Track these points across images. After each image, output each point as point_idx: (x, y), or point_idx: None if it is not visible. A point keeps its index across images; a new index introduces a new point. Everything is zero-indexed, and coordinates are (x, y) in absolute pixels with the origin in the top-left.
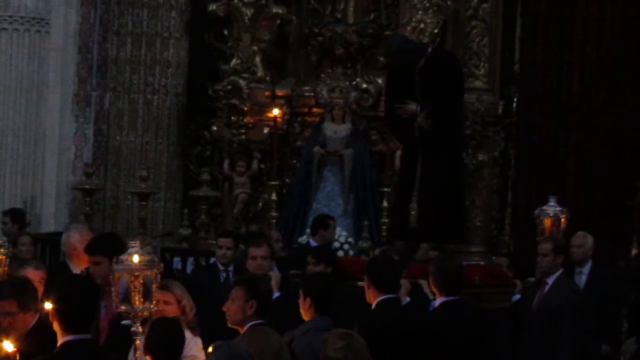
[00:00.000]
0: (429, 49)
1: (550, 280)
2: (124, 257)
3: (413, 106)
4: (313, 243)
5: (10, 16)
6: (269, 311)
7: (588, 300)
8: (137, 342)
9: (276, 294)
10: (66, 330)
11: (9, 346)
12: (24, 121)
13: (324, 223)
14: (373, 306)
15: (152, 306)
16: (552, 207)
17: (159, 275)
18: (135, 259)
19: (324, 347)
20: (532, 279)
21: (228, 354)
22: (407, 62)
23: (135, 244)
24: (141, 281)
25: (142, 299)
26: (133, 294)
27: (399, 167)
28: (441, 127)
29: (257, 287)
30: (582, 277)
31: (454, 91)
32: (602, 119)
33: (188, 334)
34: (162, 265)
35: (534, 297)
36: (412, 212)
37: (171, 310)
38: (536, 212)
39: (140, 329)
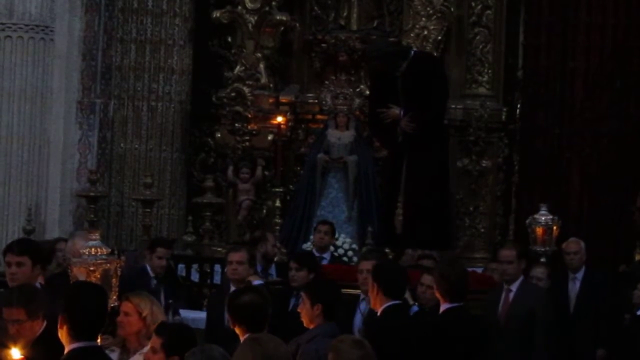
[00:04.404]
0: (412, 52)
1: (514, 287)
2: (82, 251)
3: (396, 110)
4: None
5: (14, 24)
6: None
7: (582, 305)
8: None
9: None
10: (74, 337)
11: (16, 353)
12: (28, 128)
13: None
14: (379, 312)
15: (112, 300)
16: (543, 216)
17: (118, 270)
18: (93, 252)
19: (338, 356)
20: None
21: (200, 358)
22: (389, 66)
23: (95, 237)
24: (98, 275)
25: None
26: None
27: None
28: (425, 131)
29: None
30: (576, 283)
31: (437, 94)
32: (606, 124)
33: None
34: (122, 259)
35: (496, 306)
36: (399, 218)
37: (130, 322)
38: (528, 220)
39: None
